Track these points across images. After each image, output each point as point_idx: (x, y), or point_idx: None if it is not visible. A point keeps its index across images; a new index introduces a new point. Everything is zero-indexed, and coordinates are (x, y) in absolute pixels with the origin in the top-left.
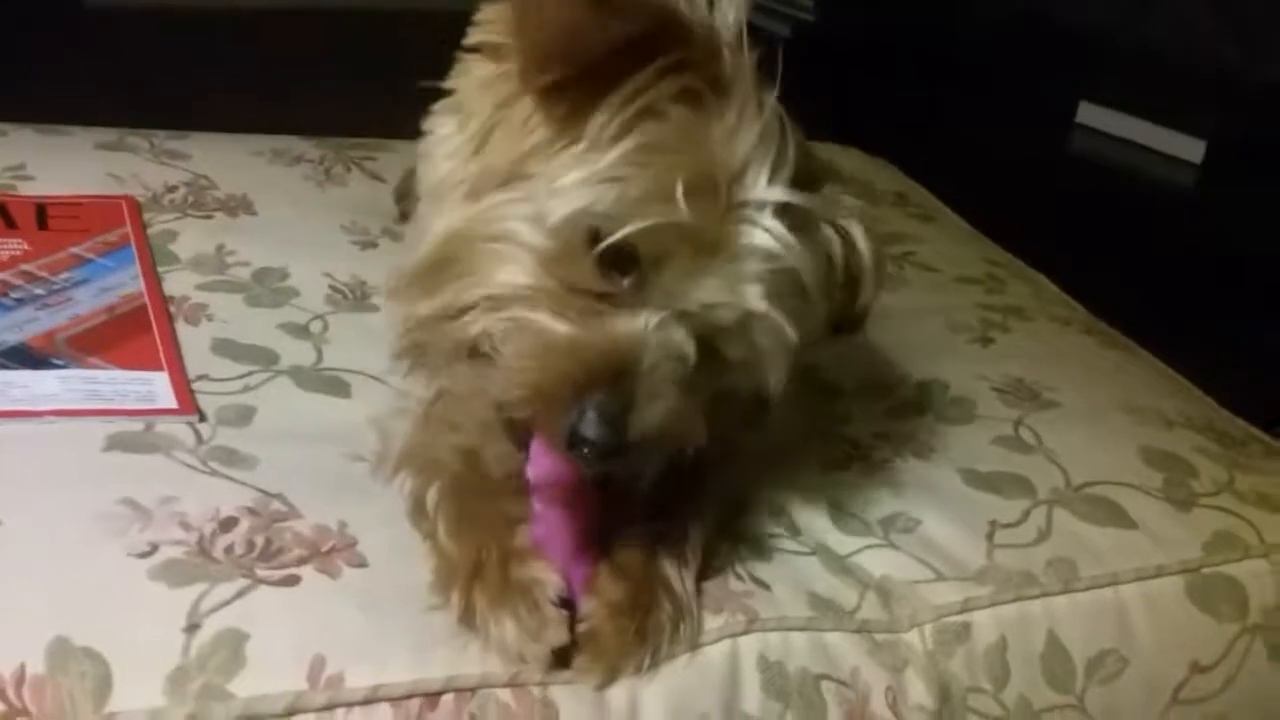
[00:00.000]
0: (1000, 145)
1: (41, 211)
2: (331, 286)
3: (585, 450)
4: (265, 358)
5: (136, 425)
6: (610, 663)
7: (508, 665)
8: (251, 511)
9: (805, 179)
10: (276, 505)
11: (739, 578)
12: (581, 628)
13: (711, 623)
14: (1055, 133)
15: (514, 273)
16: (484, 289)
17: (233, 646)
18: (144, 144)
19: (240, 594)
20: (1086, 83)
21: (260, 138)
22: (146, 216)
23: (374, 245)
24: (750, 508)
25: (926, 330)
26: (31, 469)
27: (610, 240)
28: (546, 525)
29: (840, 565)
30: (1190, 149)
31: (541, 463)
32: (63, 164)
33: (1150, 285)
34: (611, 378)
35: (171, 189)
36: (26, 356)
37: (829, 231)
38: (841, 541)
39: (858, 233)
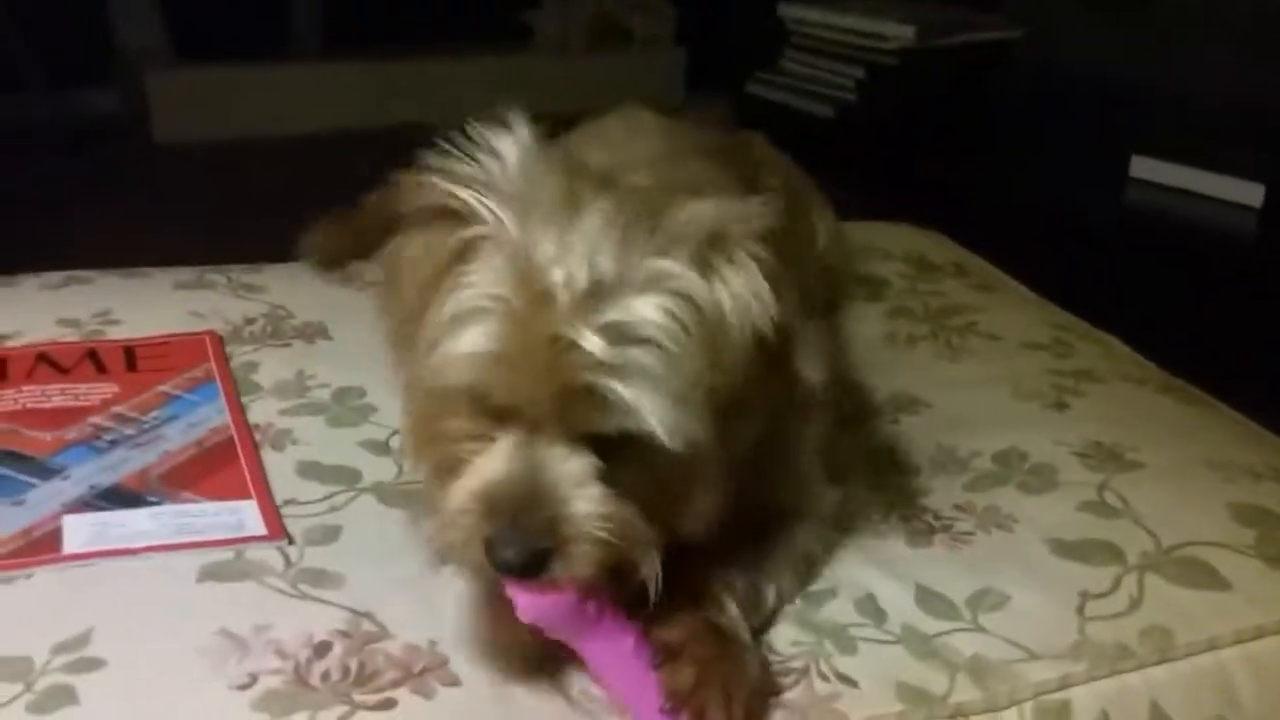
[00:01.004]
0: (1055, 207)
1: (130, 354)
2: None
3: (513, 571)
4: (349, 477)
5: (227, 554)
6: (707, 670)
7: None
8: (343, 634)
9: (631, 261)
10: (367, 625)
11: (824, 678)
12: (660, 658)
13: None
14: (1109, 189)
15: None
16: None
17: None
18: (221, 279)
19: None
20: (1137, 135)
21: None
22: (228, 349)
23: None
24: (833, 594)
25: (996, 399)
26: (131, 605)
27: (456, 390)
28: (595, 659)
29: (928, 649)
30: (1249, 193)
31: (526, 601)
32: (146, 306)
33: (1221, 336)
34: (508, 505)
35: (250, 321)
36: (122, 496)
37: (662, 300)
38: (928, 623)
39: (677, 275)
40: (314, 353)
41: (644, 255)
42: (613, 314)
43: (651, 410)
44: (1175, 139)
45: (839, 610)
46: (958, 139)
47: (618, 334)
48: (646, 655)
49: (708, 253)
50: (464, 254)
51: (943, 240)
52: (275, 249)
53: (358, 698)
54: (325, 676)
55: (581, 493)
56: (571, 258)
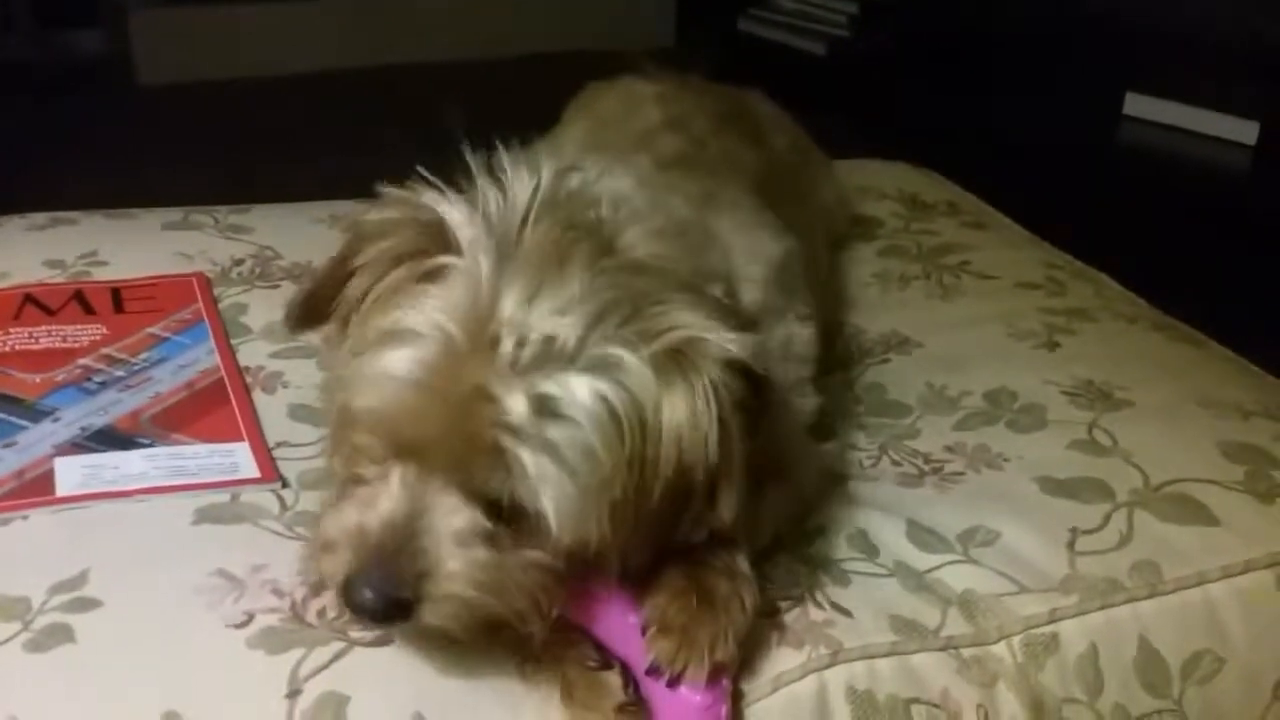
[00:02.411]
0: (1050, 145)
1: (117, 295)
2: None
3: (364, 615)
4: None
5: (223, 496)
6: (690, 643)
7: None
8: None
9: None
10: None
11: (819, 606)
12: (648, 626)
13: (795, 658)
14: (1104, 127)
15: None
16: None
17: (334, 710)
18: (208, 220)
19: (337, 657)
20: (1131, 73)
21: (319, 204)
22: (217, 291)
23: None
24: (825, 531)
25: (988, 339)
26: (127, 547)
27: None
28: (591, 624)
29: (920, 583)
30: (1243, 131)
31: None
32: (133, 247)
33: (1214, 273)
34: (377, 548)
35: (238, 262)
36: (114, 438)
37: (604, 389)
38: (920, 559)
39: (628, 369)
40: None
41: (606, 339)
42: (548, 384)
43: (551, 493)
44: (1170, 76)
45: (831, 545)
46: (951, 76)
47: (545, 406)
48: (637, 620)
49: (670, 363)
50: (429, 275)
51: (936, 178)
52: (262, 190)
53: (354, 634)
54: (321, 614)
55: (457, 550)
56: (532, 315)
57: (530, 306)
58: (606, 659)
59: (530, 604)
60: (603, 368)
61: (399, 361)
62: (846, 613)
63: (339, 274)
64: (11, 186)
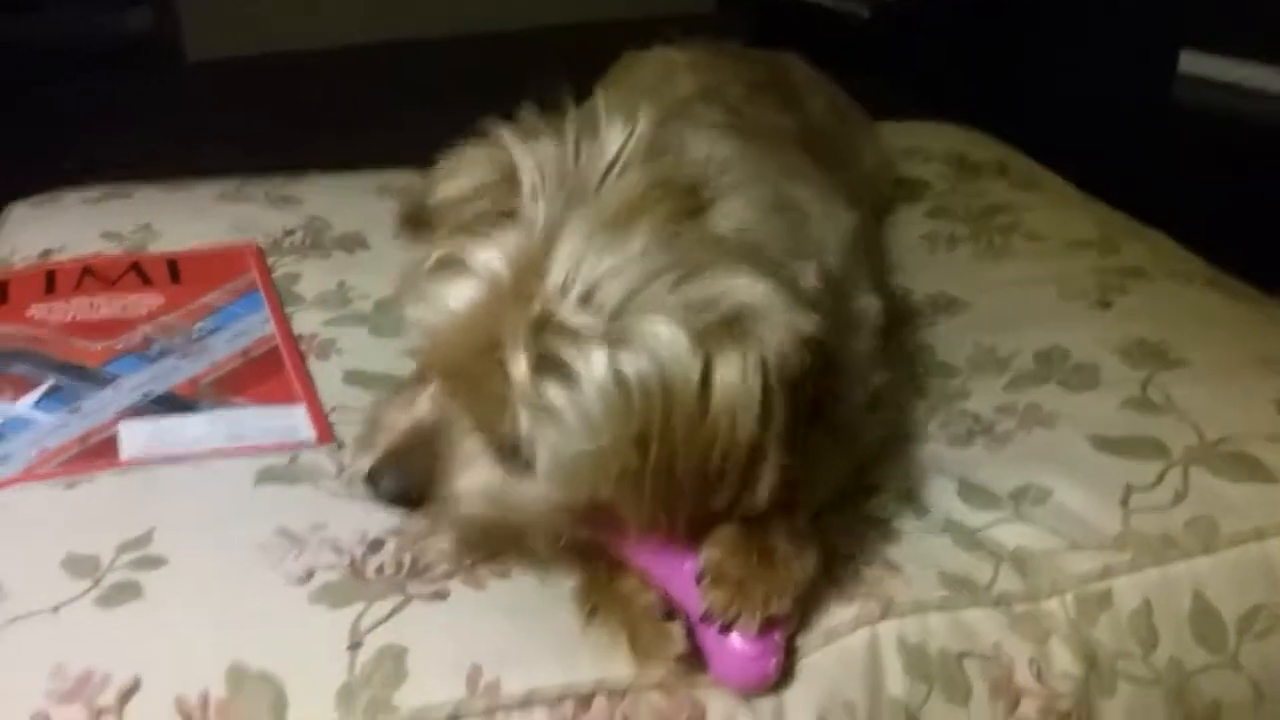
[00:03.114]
0: (1103, 104)
1: (173, 266)
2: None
3: (382, 500)
4: (393, 384)
5: (282, 459)
6: (744, 595)
7: (647, 676)
8: (396, 532)
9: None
10: (419, 524)
11: (870, 563)
12: (704, 575)
13: (847, 612)
14: (1158, 85)
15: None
16: None
17: (394, 661)
18: (260, 192)
19: (395, 610)
20: (1186, 30)
21: (367, 174)
22: (270, 261)
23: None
24: (876, 490)
25: (1040, 299)
26: (191, 508)
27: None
28: (637, 555)
29: (972, 541)
30: None
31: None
32: (187, 218)
33: (1271, 231)
34: (398, 449)
35: (290, 232)
36: (175, 403)
37: (626, 362)
38: (971, 517)
39: (662, 341)
40: (354, 263)
41: (647, 307)
42: (566, 349)
43: (545, 452)
44: (1225, 32)
45: (882, 504)
46: (998, 36)
47: (554, 369)
48: (693, 567)
49: (719, 335)
50: (506, 214)
51: (984, 139)
52: (311, 161)
53: (411, 589)
54: (380, 570)
55: (463, 471)
56: (580, 272)
57: (580, 262)
58: (671, 609)
59: (534, 527)
60: (632, 340)
61: (446, 291)
62: (897, 569)
63: (423, 190)
64: (65, 163)
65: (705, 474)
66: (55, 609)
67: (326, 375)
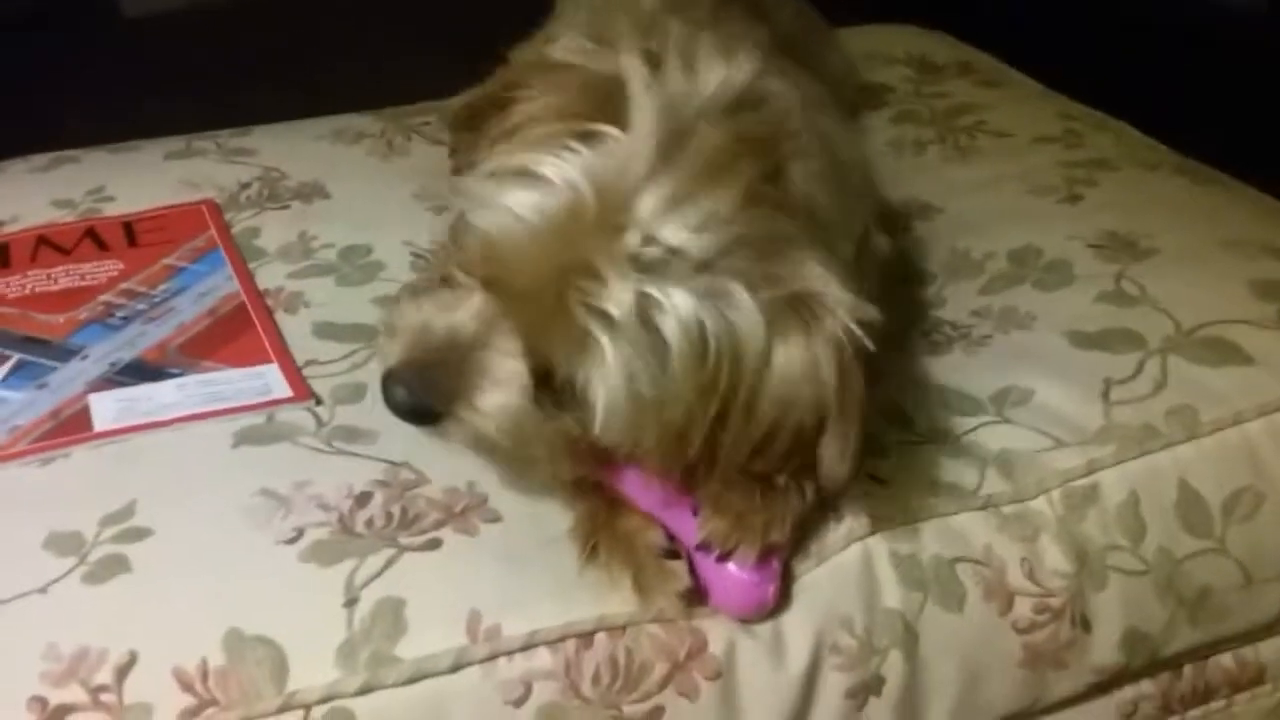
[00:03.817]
0: None
1: (129, 229)
2: (414, 254)
3: (392, 408)
4: (366, 334)
5: (258, 419)
6: (743, 525)
7: (646, 610)
8: (383, 484)
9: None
10: (405, 474)
11: (857, 479)
12: (703, 506)
13: (838, 530)
14: None
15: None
16: None
17: (392, 613)
18: (211, 146)
19: (389, 563)
20: None
21: (319, 121)
22: (227, 216)
23: (448, 208)
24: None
25: (1009, 197)
26: (171, 476)
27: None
28: (631, 488)
29: (956, 447)
30: None
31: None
32: (139, 179)
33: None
34: (426, 352)
35: (245, 186)
36: (144, 370)
37: (705, 314)
38: (955, 423)
39: (739, 306)
40: (314, 213)
41: (729, 271)
42: (655, 290)
43: (607, 391)
44: None
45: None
46: None
47: (644, 308)
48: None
49: (790, 312)
50: (587, 136)
51: (946, 39)
52: (259, 112)
53: (403, 540)
54: (369, 523)
55: (495, 390)
56: (670, 219)
57: (670, 210)
58: (675, 548)
59: (549, 460)
60: (714, 295)
61: (525, 200)
62: (884, 482)
63: (500, 99)
64: (6, 128)
65: (752, 443)
66: (43, 589)
67: (296, 329)
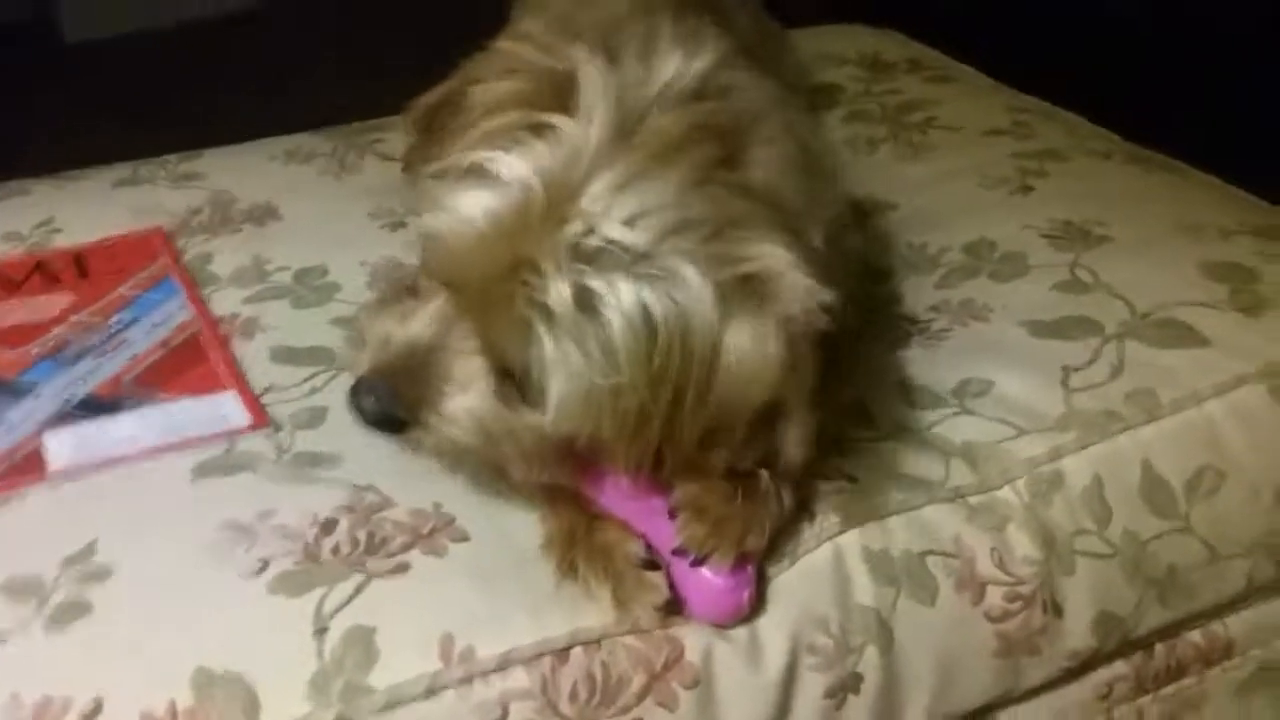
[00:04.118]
0: None
1: (80, 261)
2: (371, 273)
3: (361, 418)
4: (324, 357)
5: (218, 449)
6: (721, 530)
7: (621, 623)
8: (347, 509)
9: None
10: (370, 497)
11: (825, 478)
12: (680, 509)
13: (808, 529)
14: None
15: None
16: None
17: (363, 642)
18: (159, 172)
19: (358, 590)
20: None
21: (269, 141)
22: (180, 243)
23: (402, 225)
24: (821, 405)
25: (962, 191)
26: (131, 512)
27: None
28: (607, 496)
29: (921, 440)
30: None
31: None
32: (87, 209)
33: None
34: (390, 362)
35: (196, 211)
36: (99, 405)
37: (653, 300)
38: (917, 418)
39: (687, 287)
40: (267, 235)
41: (677, 252)
42: (596, 280)
43: (560, 382)
44: None
45: (828, 420)
46: None
47: (584, 298)
48: (663, 503)
49: (742, 293)
50: (539, 128)
51: (896, 37)
52: (206, 134)
53: (371, 565)
54: (335, 550)
55: (459, 393)
56: (615, 205)
57: (616, 196)
58: (653, 559)
59: (519, 459)
60: (661, 279)
61: (472, 201)
62: (852, 479)
63: (457, 96)
64: None
65: (711, 427)
66: (2, 639)
67: (253, 355)
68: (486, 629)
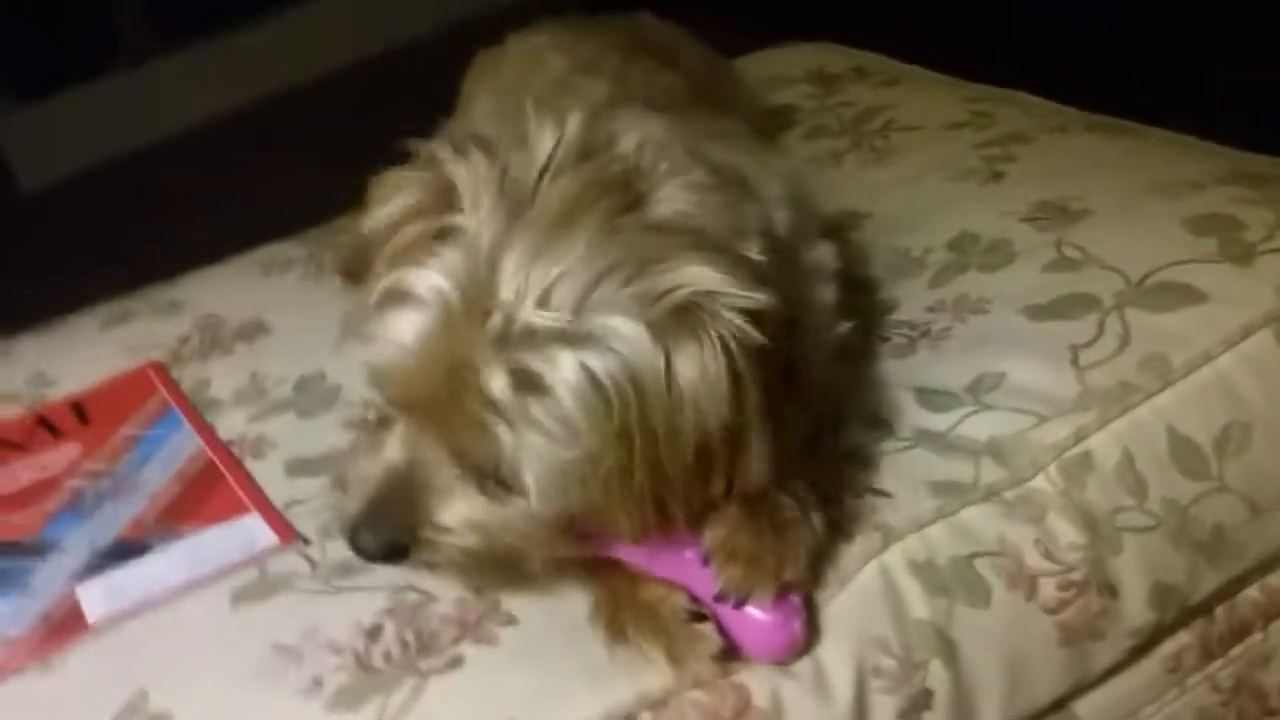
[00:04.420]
0: None
1: (79, 409)
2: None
3: (367, 558)
4: (340, 462)
5: (252, 574)
6: (757, 567)
7: (682, 679)
8: (390, 612)
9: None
10: (411, 596)
11: (857, 495)
12: (713, 555)
13: (851, 551)
14: None
15: None
16: None
17: None
18: (142, 306)
19: (416, 693)
20: None
21: (244, 256)
22: (175, 374)
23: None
24: (840, 424)
25: (934, 189)
26: (177, 653)
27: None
28: (637, 556)
29: (945, 444)
30: None
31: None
32: (77, 356)
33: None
34: (376, 497)
35: (185, 339)
36: (125, 550)
37: (594, 362)
38: (937, 421)
39: (623, 337)
40: (260, 351)
41: (603, 306)
42: (532, 359)
43: (532, 467)
44: None
45: (850, 435)
46: None
47: (527, 381)
48: (694, 554)
49: (676, 324)
50: (441, 233)
51: (835, 49)
52: (183, 258)
53: (424, 666)
54: (387, 656)
55: (448, 503)
56: (530, 280)
57: (529, 271)
58: (700, 610)
59: (528, 548)
60: (594, 338)
61: (398, 325)
62: (884, 493)
63: (361, 230)
64: None
65: (692, 462)
66: None
67: (269, 473)
68: (550, 708)
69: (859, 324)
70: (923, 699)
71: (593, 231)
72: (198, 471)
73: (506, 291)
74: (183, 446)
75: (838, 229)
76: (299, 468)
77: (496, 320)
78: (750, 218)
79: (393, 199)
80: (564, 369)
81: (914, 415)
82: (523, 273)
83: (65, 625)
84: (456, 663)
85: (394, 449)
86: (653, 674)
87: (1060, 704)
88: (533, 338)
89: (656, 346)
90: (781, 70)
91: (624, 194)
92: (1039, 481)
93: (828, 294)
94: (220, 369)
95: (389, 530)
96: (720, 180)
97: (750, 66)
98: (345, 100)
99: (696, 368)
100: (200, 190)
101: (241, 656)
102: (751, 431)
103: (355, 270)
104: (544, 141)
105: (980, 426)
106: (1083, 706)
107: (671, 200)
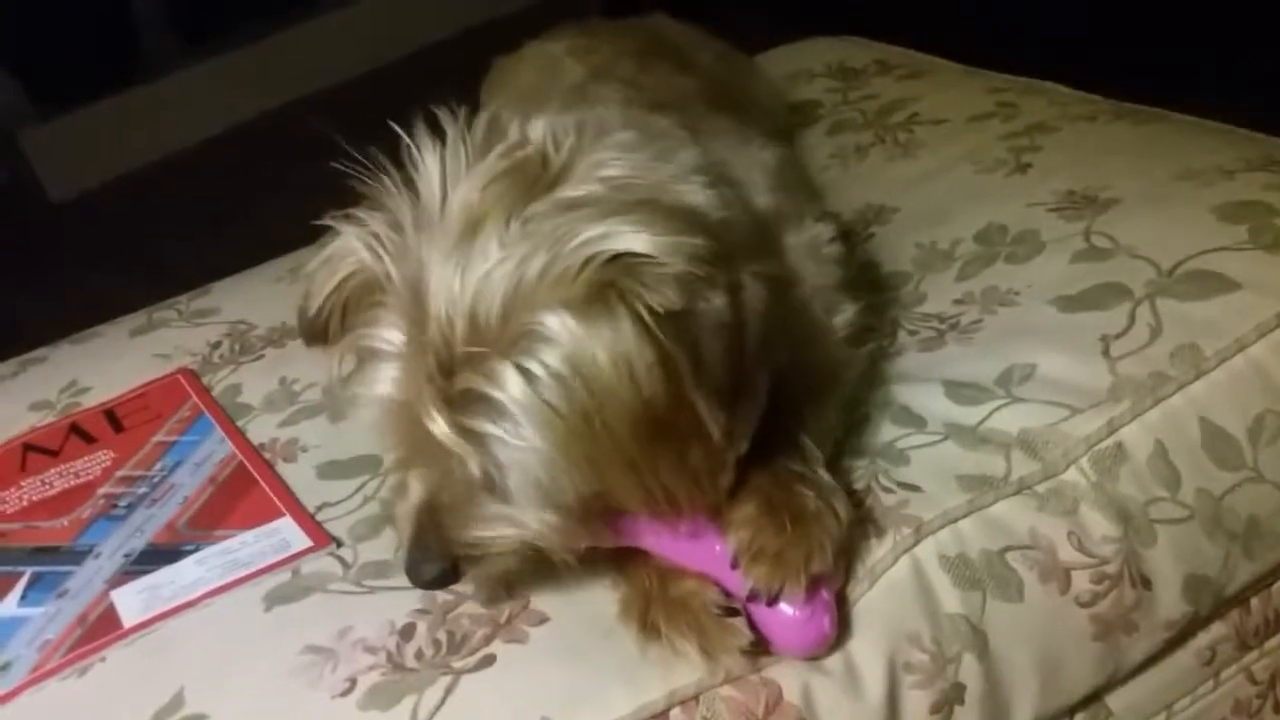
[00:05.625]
0: None
1: (112, 416)
2: None
3: (431, 588)
4: (371, 465)
5: (285, 576)
6: (784, 564)
7: (714, 674)
8: (423, 612)
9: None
10: (443, 596)
11: (888, 490)
12: (740, 556)
13: (882, 546)
14: None
15: None
16: None
17: None
18: (172, 315)
19: (449, 692)
20: None
21: (272, 264)
22: (205, 380)
23: None
24: (869, 418)
25: (960, 181)
26: (212, 655)
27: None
28: (668, 550)
29: (975, 437)
30: None
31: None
32: (109, 364)
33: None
34: (413, 534)
35: (216, 345)
36: (159, 554)
37: (530, 364)
38: (968, 414)
39: (552, 332)
40: (288, 356)
41: (526, 304)
42: (475, 381)
43: (514, 478)
44: None
45: (879, 430)
46: None
47: (478, 405)
48: (724, 550)
49: (594, 301)
50: (379, 288)
51: (858, 42)
52: (210, 265)
53: (457, 664)
54: (419, 655)
55: (471, 522)
56: (455, 306)
57: (449, 292)
58: (732, 604)
59: (555, 542)
60: (527, 338)
61: (369, 384)
62: (915, 488)
63: (306, 307)
64: None
65: (658, 435)
66: None
67: (300, 477)
68: (584, 707)
69: (868, 303)
70: (955, 693)
71: (498, 231)
72: (230, 476)
73: (437, 323)
74: (215, 451)
75: (863, 223)
76: (330, 470)
77: (430, 358)
78: (687, 162)
79: (326, 275)
80: (506, 381)
81: (944, 409)
82: (446, 295)
83: (101, 628)
84: (488, 661)
85: (415, 489)
86: (684, 670)
87: (1093, 697)
88: (471, 360)
89: (580, 328)
90: (802, 65)
91: (533, 180)
92: (1071, 474)
93: (826, 275)
94: (250, 374)
95: (433, 560)
96: (648, 144)
97: (771, 62)
98: (368, 106)
99: (614, 345)
100: (225, 198)
101: (276, 657)
102: (701, 402)
103: (313, 339)
104: (431, 159)
105: (1011, 419)
106: (1116, 700)
107: (592, 170)
